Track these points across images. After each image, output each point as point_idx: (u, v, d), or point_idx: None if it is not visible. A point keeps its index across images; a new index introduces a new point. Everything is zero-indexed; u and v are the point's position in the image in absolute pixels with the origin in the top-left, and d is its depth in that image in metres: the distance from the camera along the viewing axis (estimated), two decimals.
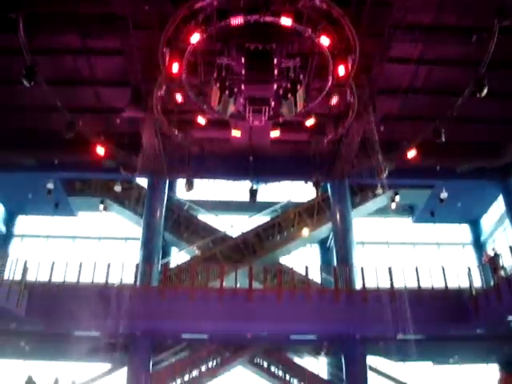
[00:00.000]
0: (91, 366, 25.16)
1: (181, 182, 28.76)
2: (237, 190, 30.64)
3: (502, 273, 20.33)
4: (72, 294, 20.04)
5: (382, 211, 29.34)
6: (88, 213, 30.58)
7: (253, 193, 26.02)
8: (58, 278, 21.19)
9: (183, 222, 28.15)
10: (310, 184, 28.09)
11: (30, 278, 20.32)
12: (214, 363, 24.42)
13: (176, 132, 21.65)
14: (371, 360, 24.48)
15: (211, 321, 19.49)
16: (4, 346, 22.90)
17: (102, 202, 28.06)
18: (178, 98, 18.82)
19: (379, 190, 26.61)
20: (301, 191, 30.11)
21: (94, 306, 19.26)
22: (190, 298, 19.71)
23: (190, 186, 26.06)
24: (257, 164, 24.23)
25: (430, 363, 26.29)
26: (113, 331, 21.60)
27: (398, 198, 27.20)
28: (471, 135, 24.04)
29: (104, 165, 23.39)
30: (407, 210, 30.48)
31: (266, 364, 24.99)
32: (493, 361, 25.84)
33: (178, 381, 23.91)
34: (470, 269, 21.43)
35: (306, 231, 27.16)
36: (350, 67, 16.90)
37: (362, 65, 17.76)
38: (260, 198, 27.66)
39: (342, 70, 16.78)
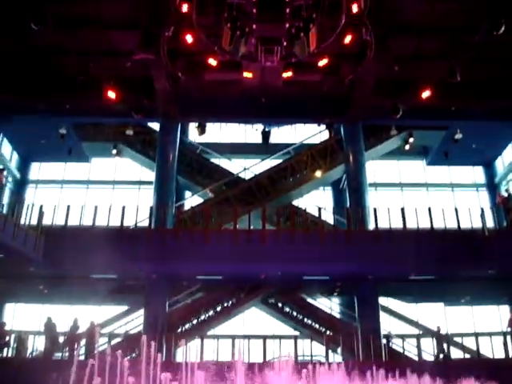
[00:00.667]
0: (109, 309, 25.77)
1: (193, 126, 28.59)
2: (249, 132, 30.47)
3: None
4: (88, 238, 20.28)
5: (396, 153, 29.17)
6: (101, 159, 30.67)
7: (265, 135, 25.96)
8: (73, 223, 21.49)
9: (196, 166, 28.15)
10: (323, 126, 27.94)
11: (46, 222, 20.60)
12: (229, 304, 24.88)
13: (180, 74, 21.34)
14: (383, 301, 24.86)
15: (225, 262, 19.75)
16: (23, 290, 23.47)
17: (114, 147, 28.10)
18: (189, 39, 18.51)
19: (393, 131, 26.41)
20: (314, 133, 29.91)
21: (110, 249, 19.53)
22: (204, 240, 19.90)
23: (201, 129, 25.99)
24: (269, 106, 24.02)
25: (441, 304, 26.63)
26: (129, 274, 22.06)
27: (411, 139, 27.00)
28: (487, 75, 23.53)
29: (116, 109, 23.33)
30: (421, 151, 30.20)
31: (279, 304, 25.40)
32: (504, 302, 26.14)
33: (194, 321, 24.46)
34: (483, 210, 21.39)
35: (318, 173, 27.11)
36: (363, 4, 16.48)
37: (376, 1, 17.30)
38: (273, 140, 27.62)
39: (355, 7, 16.37)
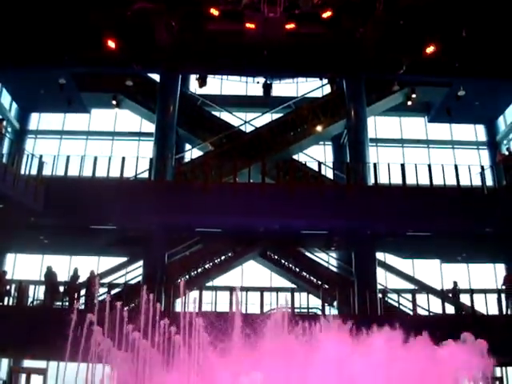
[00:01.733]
0: (108, 260, 25.97)
1: (194, 78, 28.23)
2: (250, 85, 30.12)
3: None
4: (88, 189, 20.33)
5: (398, 109, 28.90)
6: (101, 110, 30.36)
7: (266, 88, 25.63)
8: (73, 173, 21.50)
9: (197, 118, 27.86)
10: (325, 80, 27.60)
11: (46, 173, 20.60)
12: (227, 256, 25.07)
13: (173, 24, 20.94)
14: (380, 256, 25.07)
15: (224, 215, 19.86)
16: (23, 240, 23.59)
17: (114, 98, 27.78)
18: None
19: (396, 87, 26.12)
20: (315, 87, 29.57)
21: (110, 201, 19.62)
22: (203, 193, 19.94)
23: (202, 81, 25.70)
24: (271, 59, 23.69)
25: (437, 261, 26.84)
26: (128, 225, 22.18)
27: (414, 95, 26.73)
28: (493, 32, 23.12)
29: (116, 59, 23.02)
30: (423, 108, 29.91)
31: (277, 257, 25.56)
32: (500, 261, 26.34)
33: (193, 273, 24.71)
34: (483, 168, 21.39)
35: (319, 127, 26.89)
36: None
37: None
38: (274, 93, 27.31)
39: None
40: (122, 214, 20.38)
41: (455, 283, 21.75)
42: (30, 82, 26.46)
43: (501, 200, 20.39)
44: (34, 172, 19.80)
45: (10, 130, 28.20)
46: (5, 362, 22.08)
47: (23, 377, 21.42)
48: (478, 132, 30.97)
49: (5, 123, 24.74)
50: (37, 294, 22.96)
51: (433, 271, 26.77)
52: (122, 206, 19.93)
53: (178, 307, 24.04)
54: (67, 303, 22.02)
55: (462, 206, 20.26)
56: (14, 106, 29.45)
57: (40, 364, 20.31)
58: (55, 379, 18.60)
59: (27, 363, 21.78)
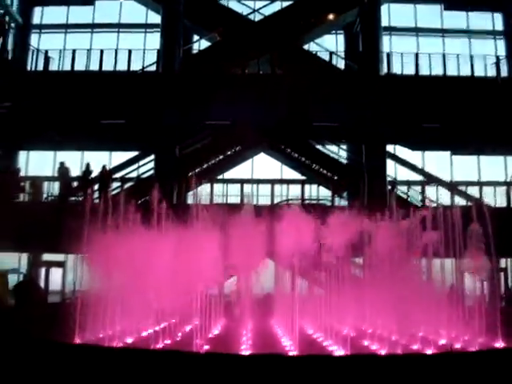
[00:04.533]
0: (120, 155, 26.01)
1: None
2: None
3: None
4: (95, 83, 20.12)
5: None
6: (105, 1, 29.26)
7: None
8: (80, 68, 21.16)
9: (204, 8, 26.83)
10: None
11: (53, 68, 20.30)
12: (237, 149, 24.99)
13: None
14: (391, 148, 24.97)
15: (234, 106, 19.63)
16: (35, 138, 23.59)
17: None
18: None
19: None
20: None
21: (118, 94, 19.45)
22: (212, 84, 19.65)
23: None
24: None
25: (448, 153, 26.67)
26: (138, 119, 22.09)
27: None
28: None
29: None
30: None
31: (288, 150, 25.44)
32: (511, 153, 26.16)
33: (204, 166, 24.77)
34: (498, 58, 20.79)
35: (331, 15, 25.87)
36: None
37: None
38: None
39: None
40: (130, 108, 20.26)
41: None
42: None
43: None
44: (40, 68, 19.53)
45: (13, 25, 27.38)
46: (24, 256, 22.75)
47: (43, 270, 22.31)
48: (496, 21, 29.75)
49: (7, 18, 24.08)
50: (51, 189, 23.40)
51: (443, 163, 26.66)
52: (131, 99, 19.77)
53: (190, 200, 24.56)
54: (81, 198, 22.48)
55: (475, 97, 19.91)
56: None
57: (59, 257, 20.97)
58: (74, 271, 19.27)
59: (46, 257, 22.49)
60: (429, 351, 7.75)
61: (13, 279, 20.54)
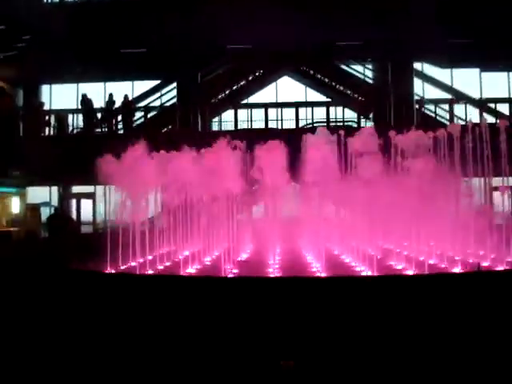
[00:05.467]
0: (142, 84, 25.77)
1: None
2: None
3: None
4: (114, 11, 19.73)
5: None
6: None
7: None
8: None
9: None
10: None
11: None
12: (260, 73, 24.54)
13: None
14: (418, 66, 24.25)
15: (255, 29, 19.06)
16: (57, 69, 23.41)
17: None
18: None
19: None
20: None
21: (136, 21, 19.03)
22: (233, 5, 19.07)
23: None
24: None
25: (477, 70, 25.79)
26: (158, 47, 21.71)
27: None
28: None
29: None
30: None
31: (311, 72, 24.92)
32: None
33: (227, 91, 24.49)
34: None
35: None
36: None
37: None
38: None
39: None
40: (151, 36, 19.88)
41: None
42: None
43: None
44: None
45: None
46: (55, 189, 23.12)
47: (73, 202, 22.77)
48: None
49: None
50: (75, 122, 23.48)
51: (472, 81, 25.86)
52: (151, 26, 19.37)
53: (215, 126, 24.48)
54: (106, 129, 22.56)
55: (505, 8, 19.01)
56: None
57: (88, 189, 21.31)
58: (104, 202, 19.61)
59: (76, 189, 22.87)
60: (456, 270, 7.75)
61: (45, 212, 21.10)
